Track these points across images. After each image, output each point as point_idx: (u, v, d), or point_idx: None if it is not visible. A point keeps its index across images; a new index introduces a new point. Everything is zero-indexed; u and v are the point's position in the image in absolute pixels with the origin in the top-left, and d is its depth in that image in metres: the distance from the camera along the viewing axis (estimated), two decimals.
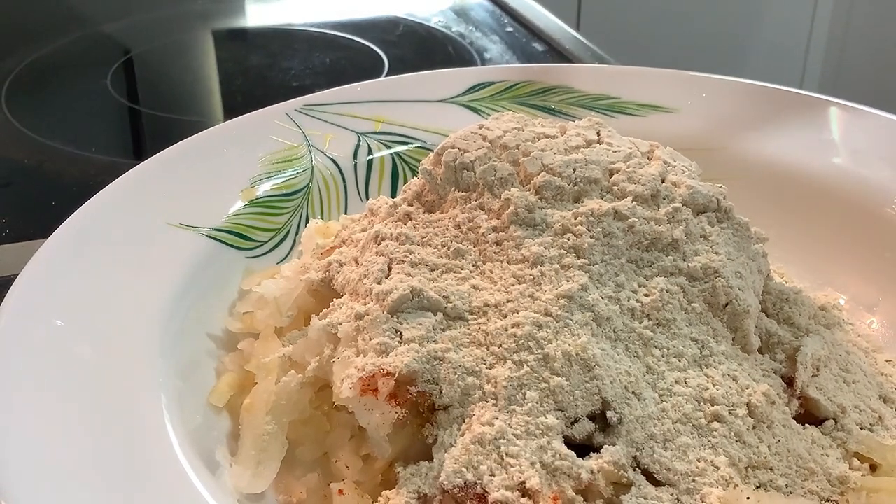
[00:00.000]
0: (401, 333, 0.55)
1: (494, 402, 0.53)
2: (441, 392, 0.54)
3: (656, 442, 0.53)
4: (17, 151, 1.08)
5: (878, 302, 0.74)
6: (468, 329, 0.56)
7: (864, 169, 0.80)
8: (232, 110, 1.16)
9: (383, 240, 0.62)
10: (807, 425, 0.58)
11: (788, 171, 0.82)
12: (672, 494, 0.52)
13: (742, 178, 0.78)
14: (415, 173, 0.74)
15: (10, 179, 1.02)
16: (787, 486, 0.54)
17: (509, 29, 1.38)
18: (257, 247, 0.74)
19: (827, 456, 0.57)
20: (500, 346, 0.55)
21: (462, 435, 0.52)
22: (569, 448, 0.52)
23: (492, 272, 0.60)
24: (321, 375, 0.58)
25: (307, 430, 0.58)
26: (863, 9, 1.64)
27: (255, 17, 1.54)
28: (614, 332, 0.57)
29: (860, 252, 0.76)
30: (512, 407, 0.53)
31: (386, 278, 0.59)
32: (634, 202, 0.61)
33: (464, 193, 0.64)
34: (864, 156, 0.81)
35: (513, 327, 0.55)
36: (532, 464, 0.51)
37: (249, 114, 0.84)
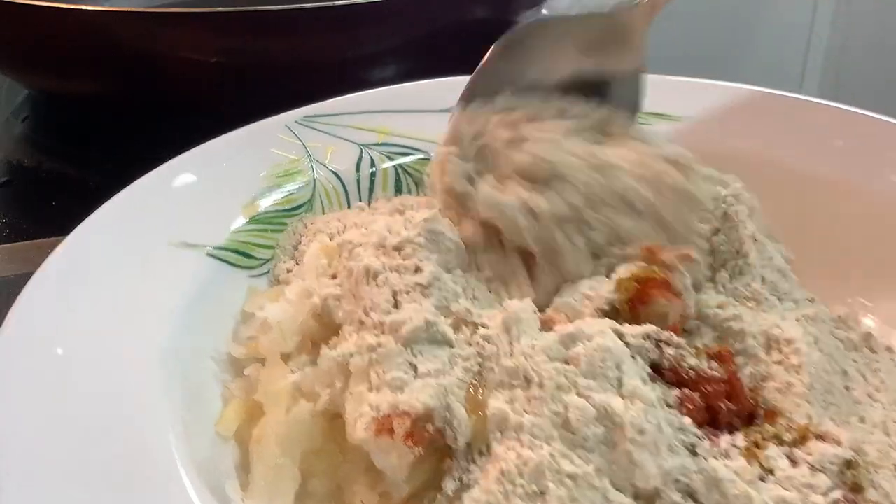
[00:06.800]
0: (416, 367, 0.53)
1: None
2: None
3: None
4: (17, 151, 1.07)
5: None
6: None
7: (866, 172, 0.79)
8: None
9: (377, 276, 0.59)
10: None
11: (789, 174, 0.81)
12: None
13: (745, 184, 0.77)
14: (418, 185, 0.72)
15: (10, 179, 1.01)
16: None
17: None
18: (260, 265, 0.72)
19: None
20: None
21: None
22: None
23: None
24: (332, 409, 0.56)
25: (319, 461, 0.57)
26: (863, 11, 1.64)
27: None
28: None
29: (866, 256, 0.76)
30: None
31: (394, 307, 0.57)
32: None
33: None
34: (865, 158, 0.80)
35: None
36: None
37: (249, 126, 0.82)
